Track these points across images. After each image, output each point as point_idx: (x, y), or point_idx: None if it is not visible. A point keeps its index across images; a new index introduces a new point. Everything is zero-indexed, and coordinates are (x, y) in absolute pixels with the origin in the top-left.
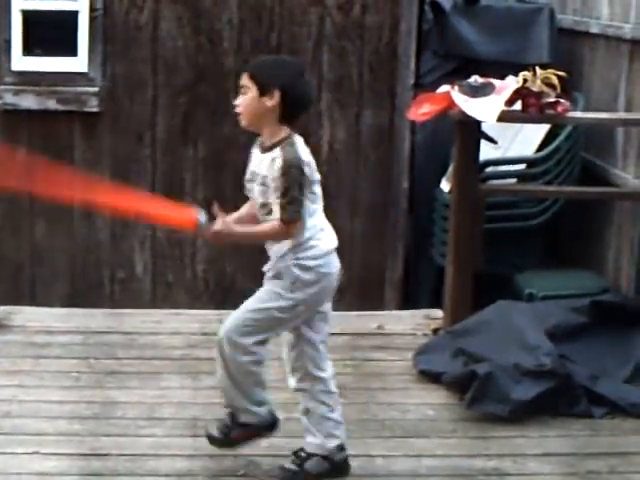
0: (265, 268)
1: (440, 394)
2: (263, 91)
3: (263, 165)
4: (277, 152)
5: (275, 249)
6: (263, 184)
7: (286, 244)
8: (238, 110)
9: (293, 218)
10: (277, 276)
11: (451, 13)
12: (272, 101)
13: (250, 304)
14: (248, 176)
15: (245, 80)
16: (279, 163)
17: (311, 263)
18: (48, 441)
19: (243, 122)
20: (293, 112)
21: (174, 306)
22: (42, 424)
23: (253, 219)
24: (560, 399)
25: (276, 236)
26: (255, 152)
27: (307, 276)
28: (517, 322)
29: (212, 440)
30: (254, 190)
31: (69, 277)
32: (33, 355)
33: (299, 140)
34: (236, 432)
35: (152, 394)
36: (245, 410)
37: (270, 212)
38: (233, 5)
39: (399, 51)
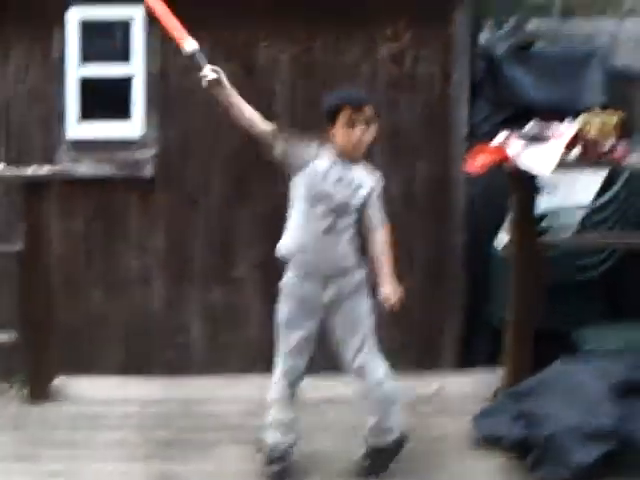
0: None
1: (501, 459)
2: (376, 121)
3: (356, 174)
4: (370, 169)
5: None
6: (358, 188)
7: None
8: (365, 139)
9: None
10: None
11: (503, 60)
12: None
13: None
14: (331, 178)
15: (371, 112)
16: (378, 177)
17: None
18: None
19: (362, 150)
20: None
21: (230, 372)
22: None
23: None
24: (623, 461)
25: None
26: (331, 158)
27: None
28: (578, 381)
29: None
30: (338, 192)
31: (125, 344)
32: (88, 426)
33: None
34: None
35: (211, 465)
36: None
37: (350, 213)
38: (285, 64)
39: (452, 101)
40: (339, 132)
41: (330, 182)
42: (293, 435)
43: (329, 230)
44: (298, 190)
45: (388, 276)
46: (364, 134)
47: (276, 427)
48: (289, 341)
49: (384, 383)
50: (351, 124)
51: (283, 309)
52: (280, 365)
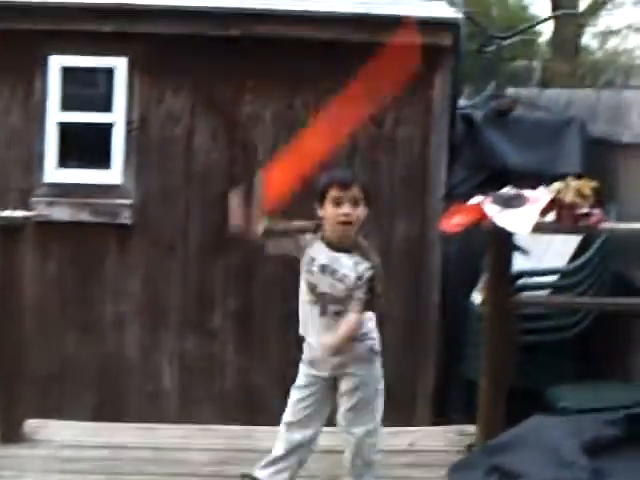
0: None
1: None
2: (367, 205)
3: (342, 263)
4: (360, 257)
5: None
6: (341, 280)
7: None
8: (350, 219)
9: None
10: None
11: (482, 125)
12: (366, 212)
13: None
14: (315, 267)
15: (359, 193)
16: (368, 266)
17: None
18: None
19: (350, 230)
20: None
21: (202, 421)
22: None
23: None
24: None
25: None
26: (320, 247)
27: None
28: (552, 437)
29: None
30: (322, 282)
31: (97, 389)
32: (60, 470)
33: None
34: None
35: None
36: None
37: (337, 301)
38: (267, 117)
39: (430, 163)
40: (327, 212)
41: (315, 271)
42: None
43: (323, 314)
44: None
45: (335, 335)
46: (352, 213)
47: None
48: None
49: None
50: (337, 203)
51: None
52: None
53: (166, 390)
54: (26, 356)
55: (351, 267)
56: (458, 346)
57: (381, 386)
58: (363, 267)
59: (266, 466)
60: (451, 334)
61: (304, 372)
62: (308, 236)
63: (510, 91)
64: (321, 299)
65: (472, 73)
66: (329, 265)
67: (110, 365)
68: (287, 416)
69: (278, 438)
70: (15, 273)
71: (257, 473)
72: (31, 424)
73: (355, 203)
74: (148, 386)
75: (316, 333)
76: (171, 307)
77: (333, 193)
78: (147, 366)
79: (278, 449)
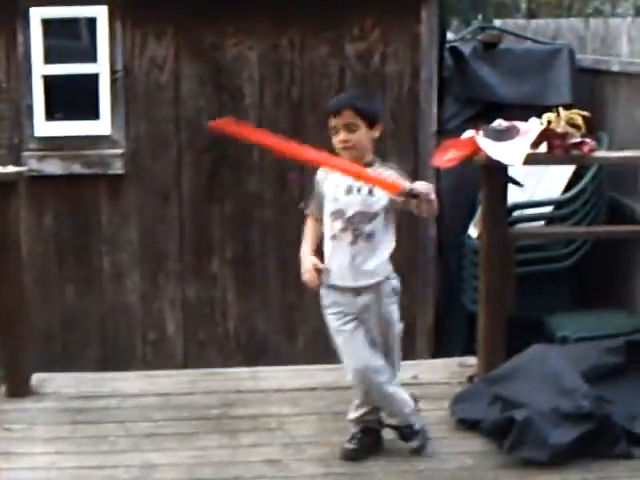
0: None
1: (478, 442)
2: (372, 125)
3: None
4: (382, 169)
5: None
6: (370, 194)
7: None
8: (348, 145)
9: None
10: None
11: (471, 58)
12: (377, 132)
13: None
14: (341, 191)
15: (351, 118)
16: (395, 175)
17: None
18: None
19: (350, 154)
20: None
21: (207, 365)
22: None
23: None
24: (599, 441)
25: None
26: (333, 174)
27: None
28: (552, 365)
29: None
30: (352, 203)
31: (100, 341)
32: (69, 421)
33: None
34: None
35: (190, 455)
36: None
37: (371, 219)
38: (253, 61)
39: (420, 98)
40: (333, 142)
41: (341, 195)
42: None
43: (355, 241)
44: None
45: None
46: (349, 138)
47: None
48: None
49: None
50: (335, 131)
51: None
52: None
53: (169, 337)
54: (28, 311)
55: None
56: (456, 280)
57: (398, 328)
58: (387, 174)
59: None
60: (449, 268)
61: (333, 313)
62: (319, 174)
63: (497, 23)
64: (352, 224)
65: (459, 6)
66: (354, 184)
67: (112, 315)
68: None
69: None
70: (11, 229)
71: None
72: (38, 378)
73: (349, 128)
74: (151, 334)
75: (347, 264)
76: (169, 255)
77: (330, 122)
78: (149, 314)
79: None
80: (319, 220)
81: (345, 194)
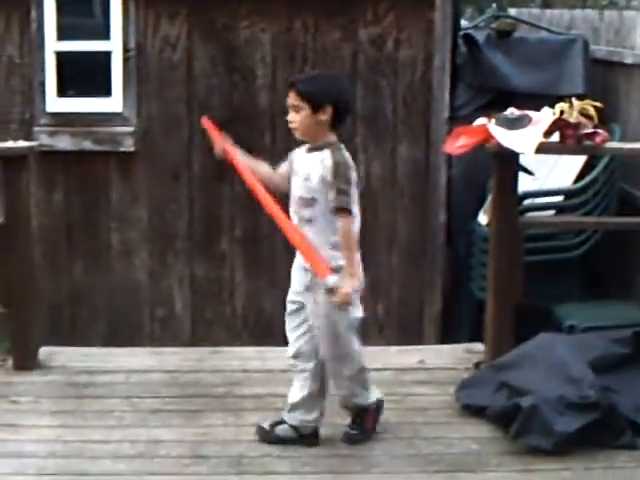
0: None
1: (484, 428)
2: (316, 108)
3: (309, 163)
4: (326, 153)
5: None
6: (307, 179)
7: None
8: (293, 126)
9: (348, 206)
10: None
11: (484, 46)
12: (325, 115)
13: None
14: (287, 168)
15: (295, 100)
16: (329, 163)
17: None
18: None
19: (298, 134)
20: (341, 120)
21: (214, 344)
22: (86, 464)
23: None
24: (604, 431)
25: (349, 226)
26: (299, 152)
27: None
28: (559, 354)
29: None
30: (293, 184)
31: (108, 316)
32: (75, 395)
33: (343, 147)
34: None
35: (195, 432)
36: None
37: (309, 205)
38: (266, 43)
39: (433, 85)
40: None
41: (292, 176)
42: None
43: (300, 223)
44: None
45: (342, 269)
46: (293, 119)
47: None
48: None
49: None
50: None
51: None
52: None
53: (177, 315)
54: (37, 284)
55: (313, 167)
56: (465, 267)
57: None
58: (324, 167)
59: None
60: (458, 255)
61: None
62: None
63: (512, 11)
64: (296, 207)
65: None
66: (297, 168)
67: (120, 292)
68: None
69: None
70: (22, 203)
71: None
72: (45, 351)
73: (294, 109)
74: (159, 311)
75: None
76: (179, 233)
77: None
78: (157, 292)
79: None
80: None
81: (293, 176)
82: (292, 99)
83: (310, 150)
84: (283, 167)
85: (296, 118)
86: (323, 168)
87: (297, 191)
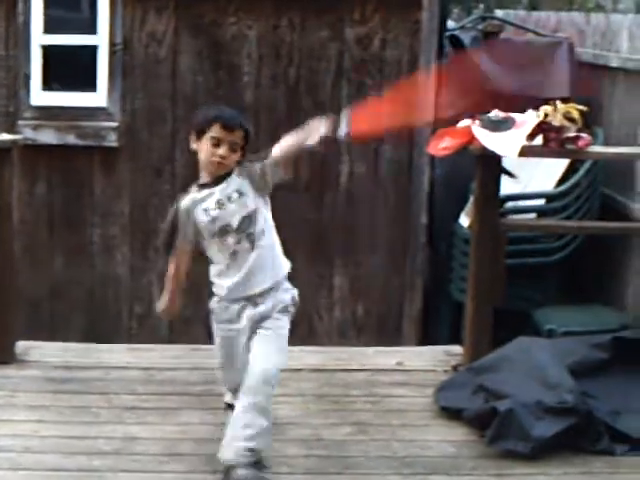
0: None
1: (461, 431)
2: (244, 151)
3: (230, 186)
4: (240, 170)
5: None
6: (242, 194)
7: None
8: (224, 162)
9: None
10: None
11: (470, 47)
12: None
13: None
14: (212, 211)
15: (240, 139)
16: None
17: None
18: (67, 477)
19: (221, 169)
20: None
21: (192, 341)
22: (62, 460)
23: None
24: (581, 436)
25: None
26: (198, 194)
27: None
28: (538, 358)
29: None
30: (227, 214)
31: (87, 312)
32: (52, 390)
33: None
34: None
35: (172, 430)
36: None
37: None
38: (252, 40)
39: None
40: (203, 149)
41: (213, 214)
42: None
43: (247, 248)
44: None
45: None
46: (228, 157)
47: None
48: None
49: None
50: (216, 142)
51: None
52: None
53: (156, 311)
54: (16, 279)
55: (242, 185)
56: (445, 268)
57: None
58: (250, 175)
59: None
60: (438, 256)
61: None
62: (184, 204)
63: (499, 13)
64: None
65: None
66: (221, 197)
67: (100, 287)
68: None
69: None
70: (4, 196)
71: None
72: (22, 345)
73: (232, 147)
74: (138, 308)
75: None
76: (160, 229)
77: (214, 132)
78: (137, 288)
79: None
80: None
81: (218, 208)
82: (236, 138)
83: (216, 182)
84: (185, 246)
85: (232, 157)
86: (249, 176)
87: (238, 215)
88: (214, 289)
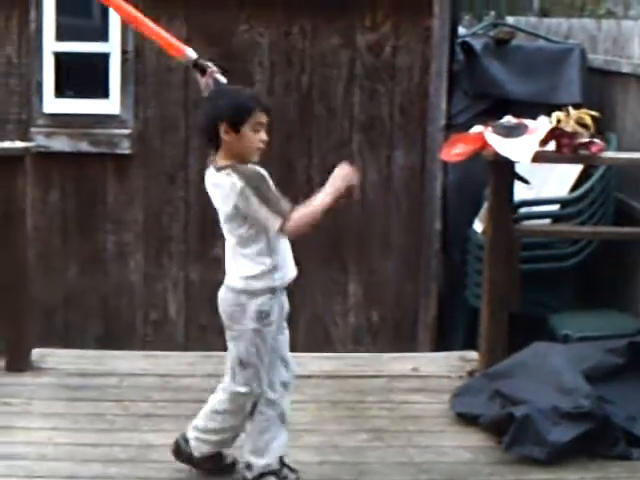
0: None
1: (477, 437)
2: None
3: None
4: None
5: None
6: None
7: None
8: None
9: None
10: None
11: (482, 54)
12: None
13: None
14: None
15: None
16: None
17: None
18: None
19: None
20: None
21: (207, 348)
22: (77, 467)
23: None
24: (598, 441)
25: None
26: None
27: None
28: (554, 364)
29: None
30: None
31: (102, 319)
32: (67, 398)
33: None
34: None
35: None
36: None
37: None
38: (265, 47)
39: (430, 92)
40: (246, 137)
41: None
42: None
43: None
44: None
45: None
46: (267, 140)
47: None
48: None
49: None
50: (260, 128)
51: None
52: None
53: (171, 318)
54: (30, 286)
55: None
56: (459, 274)
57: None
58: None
59: None
60: (453, 262)
61: None
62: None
63: (510, 20)
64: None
65: (472, 1)
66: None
67: (114, 294)
68: None
69: None
70: (17, 204)
71: None
72: (38, 353)
73: (265, 129)
74: (153, 314)
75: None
76: (174, 236)
77: (259, 118)
78: (151, 295)
79: None
80: None
81: None
82: (266, 121)
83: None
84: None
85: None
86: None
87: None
88: (256, 283)
